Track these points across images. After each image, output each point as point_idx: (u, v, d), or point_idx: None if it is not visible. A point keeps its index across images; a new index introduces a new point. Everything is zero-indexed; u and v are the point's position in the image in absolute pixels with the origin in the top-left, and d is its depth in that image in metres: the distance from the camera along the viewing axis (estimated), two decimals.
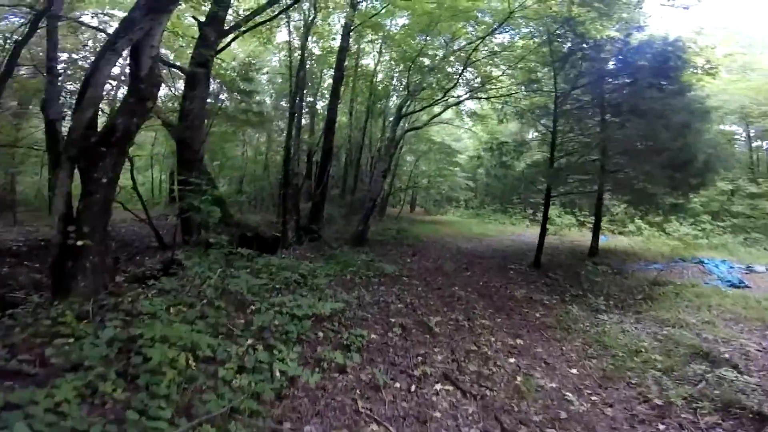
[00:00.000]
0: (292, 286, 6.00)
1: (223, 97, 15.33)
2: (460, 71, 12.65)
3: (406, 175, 22.63)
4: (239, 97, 14.24)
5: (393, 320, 5.23)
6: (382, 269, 7.93)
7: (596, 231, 11.44)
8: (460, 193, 22.82)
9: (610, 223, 17.18)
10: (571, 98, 10.17)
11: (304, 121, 20.55)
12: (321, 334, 4.43)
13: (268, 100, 21.60)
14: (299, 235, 10.71)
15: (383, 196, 17.16)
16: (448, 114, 19.67)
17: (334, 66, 13.81)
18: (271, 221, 13.22)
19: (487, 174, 24.57)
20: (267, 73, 20.15)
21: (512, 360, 4.59)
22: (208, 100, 10.96)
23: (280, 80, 18.58)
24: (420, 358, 4.36)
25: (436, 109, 16.51)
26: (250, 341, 3.95)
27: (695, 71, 10.14)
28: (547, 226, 18.50)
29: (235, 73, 12.28)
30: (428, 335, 4.96)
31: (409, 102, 13.52)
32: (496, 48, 12.34)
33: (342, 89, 14.92)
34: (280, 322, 4.37)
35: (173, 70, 12.09)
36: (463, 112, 19.19)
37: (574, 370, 4.53)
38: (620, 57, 9.63)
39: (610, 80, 10.14)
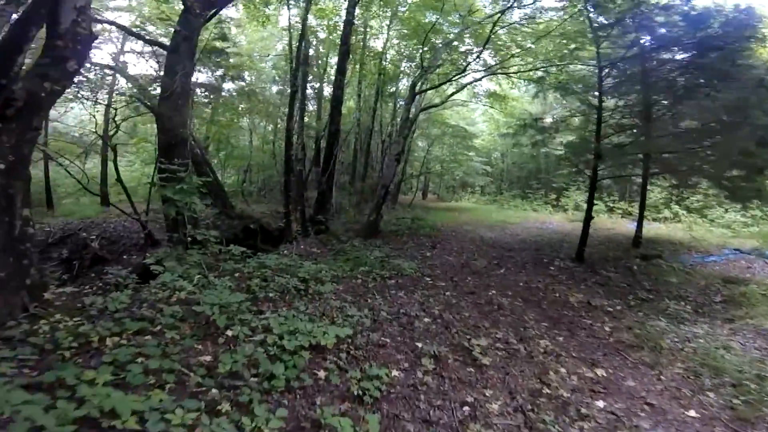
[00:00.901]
0: (289, 296, 4.57)
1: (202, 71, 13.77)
2: (480, 45, 10.95)
3: (418, 161, 21.02)
4: (215, 62, 12.67)
5: (420, 345, 3.76)
6: (399, 267, 6.47)
7: (641, 218, 9.77)
8: (477, 179, 21.12)
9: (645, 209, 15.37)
10: (618, 70, 8.40)
11: (310, 107, 19.09)
12: (321, 377, 2.99)
13: (274, 88, 20.13)
14: (305, 227, 9.30)
15: (396, 183, 15.64)
16: (463, 95, 17.96)
17: (339, 41, 12.24)
18: (278, 212, 11.86)
19: (504, 157, 22.82)
20: (269, 56, 18.66)
21: (600, 403, 3.11)
22: (193, 79, 9.50)
23: (284, 64, 17.06)
24: (467, 409, 2.90)
25: (452, 88, 14.85)
26: (210, 395, 2.53)
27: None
28: (571, 211, 17.03)
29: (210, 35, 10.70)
30: (472, 368, 3.49)
31: (423, 80, 11.89)
32: (522, 19, 10.58)
33: (349, 70, 13.38)
34: (261, 358, 2.95)
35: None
36: (480, 93, 17.41)
37: (692, 413, 3.07)
38: (681, 24, 7.80)
39: (665, 51, 8.32)
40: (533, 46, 10.80)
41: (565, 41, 9.74)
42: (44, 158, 12.91)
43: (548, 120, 10.32)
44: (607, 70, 8.27)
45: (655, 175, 9.94)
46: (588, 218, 8.01)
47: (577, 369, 3.63)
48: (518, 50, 11.21)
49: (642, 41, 8.12)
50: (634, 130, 8.47)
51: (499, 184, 23.10)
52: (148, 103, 7.90)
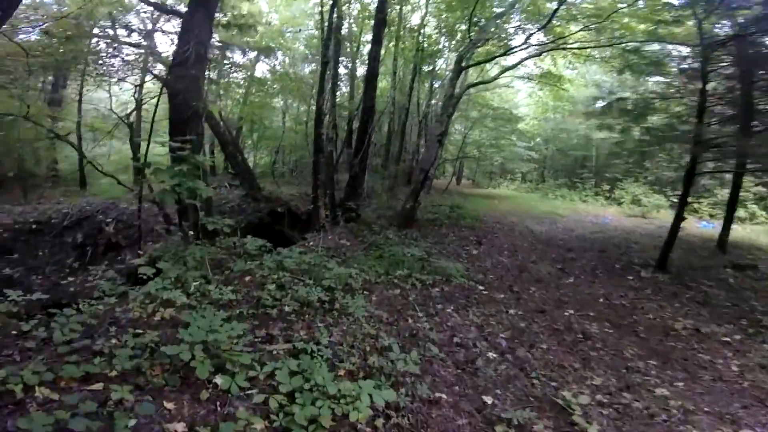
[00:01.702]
0: (309, 313, 3.46)
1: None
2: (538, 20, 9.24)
3: (453, 145, 19.40)
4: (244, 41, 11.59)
5: (490, 402, 2.57)
6: (444, 271, 5.24)
7: (729, 219, 7.97)
8: (519, 165, 19.27)
9: (713, 207, 13.29)
10: (725, 50, 6.54)
11: (343, 88, 17.82)
12: None
13: (307, 69, 19.00)
14: (334, 213, 8.20)
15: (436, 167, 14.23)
16: (507, 76, 16.13)
17: (374, 11, 10.84)
18: (307, 194, 10.86)
19: (548, 143, 20.71)
20: (299, 31, 17.43)
21: None
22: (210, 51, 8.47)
23: (317, 42, 15.85)
24: None
25: (498, 67, 13.14)
26: None
27: None
28: (627, 205, 14.92)
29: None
30: None
31: (469, 53, 10.33)
32: None
33: (384, 46, 11.98)
34: None
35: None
36: (529, 73, 15.44)
37: None
38: None
39: None
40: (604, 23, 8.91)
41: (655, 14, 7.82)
42: (77, 137, 12.52)
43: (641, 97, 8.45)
44: (711, 49, 6.44)
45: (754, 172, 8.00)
46: (679, 219, 6.40)
47: None
48: (591, 23, 9.35)
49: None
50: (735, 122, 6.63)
51: (542, 171, 21.10)
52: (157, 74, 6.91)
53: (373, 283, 4.59)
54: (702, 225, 11.78)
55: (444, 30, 14.63)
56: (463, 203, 12.52)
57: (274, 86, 15.70)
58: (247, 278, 4.11)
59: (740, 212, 12.69)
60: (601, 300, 4.93)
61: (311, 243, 6.26)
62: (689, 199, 13.88)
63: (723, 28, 6.68)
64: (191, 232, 4.50)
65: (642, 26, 8.11)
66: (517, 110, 20.08)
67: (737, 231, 11.24)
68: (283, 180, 14.44)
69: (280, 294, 3.71)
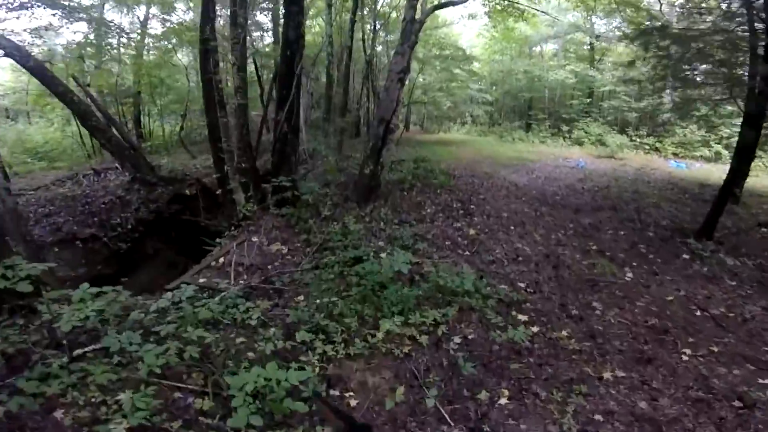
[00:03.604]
0: None
1: None
2: None
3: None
4: None
5: None
6: (455, 295, 3.02)
7: (743, 165, 6.03)
8: (473, 108, 17.05)
9: (677, 147, 12.34)
10: None
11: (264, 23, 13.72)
12: None
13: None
14: (261, 196, 5.47)
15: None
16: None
17: None
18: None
19: (495, 86, 18.55)
20: None
21: None
22: None
23: None
24: None
25: None
26: None
27: None
28: (590, 145, 13.41)
29: None
30: None
31: None
32: None
33: None
34: None
35: None
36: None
37: None
38: None
39: None
40: None
41: None
42: None
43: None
44: None
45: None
46: (737, 177, 4.63)
47: None
48: None
49: None
50: None
51: (492, 114, 19.11)
52: None
53: (345, 362, 2.25)
54: (673, 164, 10.73)
55: None
56: (424, 154, 10.21)
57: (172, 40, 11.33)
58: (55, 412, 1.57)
59: (704, 151, 11.86)
60: (697, 312, 3.04)
61: (221, 260, 3.66)
62: (651, 139, 13.03)
63: None
64: None
65: None
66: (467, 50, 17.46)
67: (707, 171, 10.30)
68: (197, 149, 10.89)
69: None
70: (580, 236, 4.81)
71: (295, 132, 5.16)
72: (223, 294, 2.80)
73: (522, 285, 3.43)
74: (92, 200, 6.63)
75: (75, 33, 10.76)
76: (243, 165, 5.31)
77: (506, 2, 10.61)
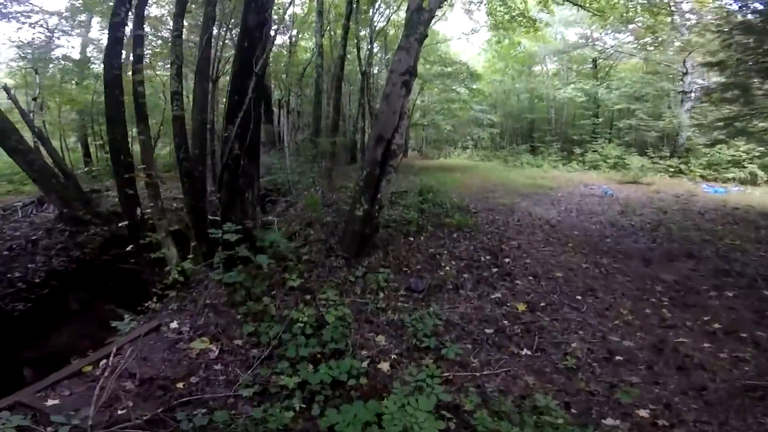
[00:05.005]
0: None
1: None
2: None
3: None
4: None
5: None
6: None
7: None
8: (476, 131, 15.65)
9: (704, 169, 10.90)
10: None
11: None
12: None
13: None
14: (204, 249, 3.69)
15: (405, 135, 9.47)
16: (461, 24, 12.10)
17: None
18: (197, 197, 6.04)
19: (494, 108, 17.26)
20: None
21: None
22: None
23: None
24: None
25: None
26: None
27: None
28: (606, 169, 11.83)
29: None
30: None
31: None
32: None
33: None
34: None
35: None
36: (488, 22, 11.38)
37: None
38: None
39: None
40: None
41: None
42: None
43: None
44: None
45: None
46: None
47: None
48: None
49: None
50: None
51: (495, 137, 17.78)
52: None
53: None
54: (709, 189, 9.18)
55: None
56: (429, 182, 8.59)
57: None
58: None
59: (736, 172, 10.39)
60: None
61: (102, 362, 1.91)
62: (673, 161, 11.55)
63: None
64: None
65: None
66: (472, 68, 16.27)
67: (751, 196, 8.76)
68: (165, 174, 9.25)
69: None
70: (681, 306, 3.09)
71: (253, 155, 3.45)
72: None
73: (644, 414, 1.70)
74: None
75: None
76: (191, 204, 3.60)
77: (516, 12, 9.36)
